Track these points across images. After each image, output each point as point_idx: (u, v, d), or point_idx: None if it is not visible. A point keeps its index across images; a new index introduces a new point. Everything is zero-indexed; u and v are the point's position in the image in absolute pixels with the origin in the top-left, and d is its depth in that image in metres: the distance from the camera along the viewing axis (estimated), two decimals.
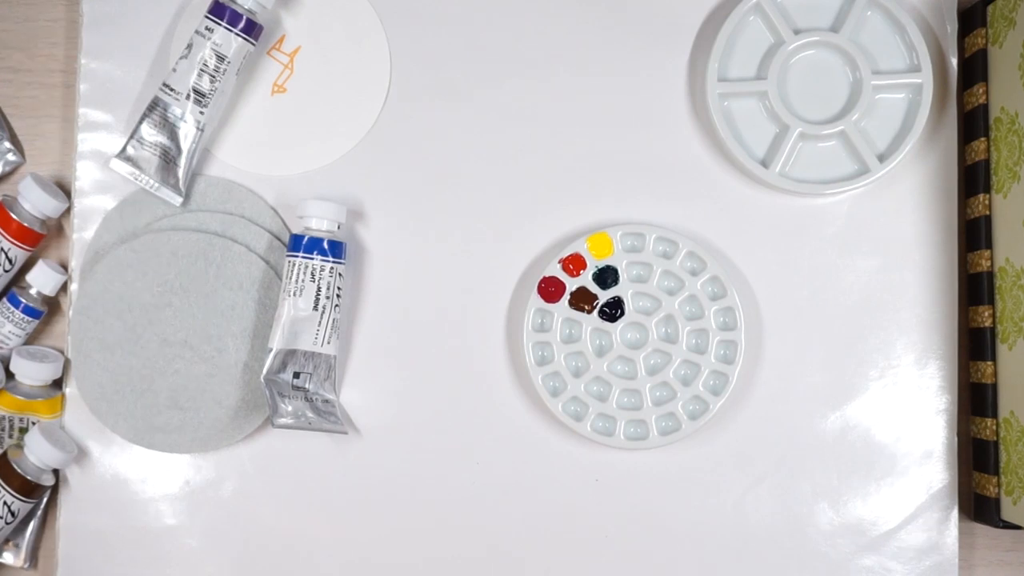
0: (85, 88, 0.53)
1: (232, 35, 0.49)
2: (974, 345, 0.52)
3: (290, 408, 0.50)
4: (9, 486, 0.49)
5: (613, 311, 0.51)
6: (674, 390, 0.50)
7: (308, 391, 0.50)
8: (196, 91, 0.49)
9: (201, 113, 0.50)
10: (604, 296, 0.51)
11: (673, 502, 0.52)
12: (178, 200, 0.51)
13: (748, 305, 0.52)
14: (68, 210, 0.53)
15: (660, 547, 0.51)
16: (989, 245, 0.51)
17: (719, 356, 0.51)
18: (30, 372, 0.51)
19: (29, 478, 0.49)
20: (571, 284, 0.51)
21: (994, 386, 0.50)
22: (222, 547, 0.52)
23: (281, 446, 0.52)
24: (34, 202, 0.51)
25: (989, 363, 0.50)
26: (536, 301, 0.51)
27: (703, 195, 0.53)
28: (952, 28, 0.53)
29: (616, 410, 0.50)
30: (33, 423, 0.51)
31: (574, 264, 0.51)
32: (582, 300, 0.51)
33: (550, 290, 0.51)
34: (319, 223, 0.49)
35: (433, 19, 0.53)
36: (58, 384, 0.52)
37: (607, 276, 0.51)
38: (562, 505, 0.52)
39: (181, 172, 0.51)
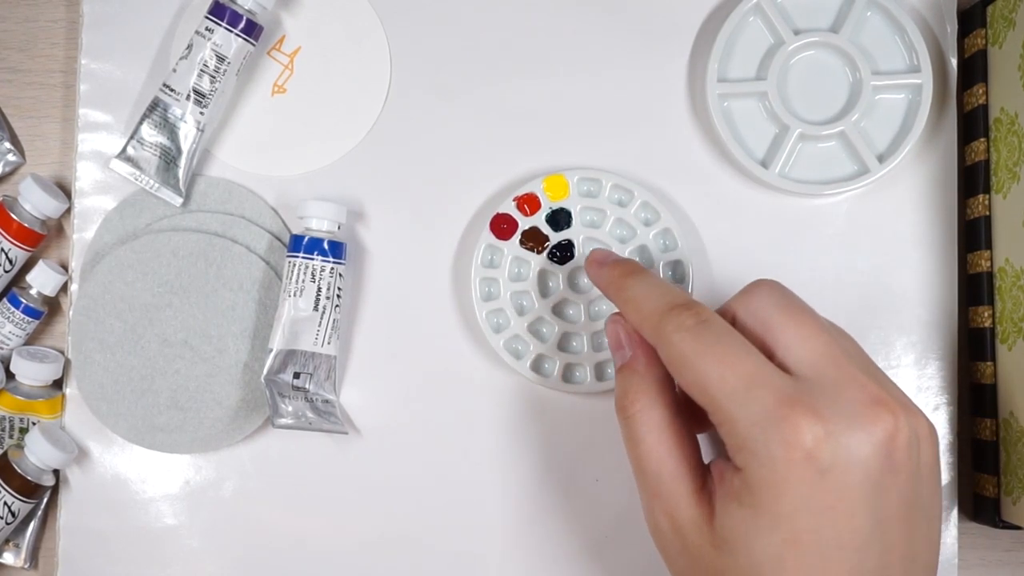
0: (85, 88, 0.53)
1: (232, 36, 0.49)
2: (974, 345, 0.52)
3: (290, 408, 0.50)
4: (9, 486, 0.49)
5: (564, 253, 0.51)
6: None
7: (308, 391, 0.50)
8: (196, 91, 0.49)
9: (201, 114, 0.50)
10: (556, 238, 0.51)
11: None
12: (178, 201, 0.51)
13: None
14: (68, 210, 0.53)
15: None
16: (989, 245, 0.51)
17: None
18: (30, 372, 0.51)
19: (29, 478, 0.49)
20: (524, 223, 0.51)
21: (994, 386, 0.50)
22: (222, 547, 0.52)
23: (281, 446, 0.52)
24: (35, 203, 0.51)
25: (989, 363, 0.51)
26: (488, 236, 0.51)
27: (703, 195, 0.53)
28: (952, 29, 0.53)
29: (556, 352, 0.50)
30: (33, 423, 0.51)
31: (529, 204, 0.51)
32: (532, 240, 0.51)
33: (502, 227, 0.51)
34: (319, 223, 0.49)
35: (433, 19, 0.53)
36: (58, 384, 0.52)
37: (560, 218, 0.51)
38: (564, 506, 0.52)
39: (181, 173, 0.51)
